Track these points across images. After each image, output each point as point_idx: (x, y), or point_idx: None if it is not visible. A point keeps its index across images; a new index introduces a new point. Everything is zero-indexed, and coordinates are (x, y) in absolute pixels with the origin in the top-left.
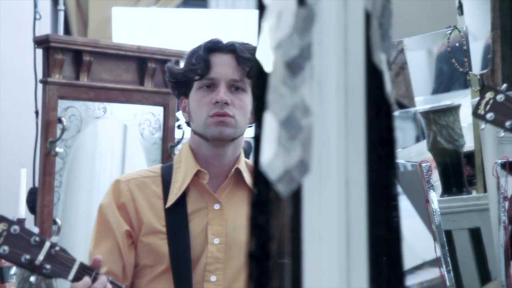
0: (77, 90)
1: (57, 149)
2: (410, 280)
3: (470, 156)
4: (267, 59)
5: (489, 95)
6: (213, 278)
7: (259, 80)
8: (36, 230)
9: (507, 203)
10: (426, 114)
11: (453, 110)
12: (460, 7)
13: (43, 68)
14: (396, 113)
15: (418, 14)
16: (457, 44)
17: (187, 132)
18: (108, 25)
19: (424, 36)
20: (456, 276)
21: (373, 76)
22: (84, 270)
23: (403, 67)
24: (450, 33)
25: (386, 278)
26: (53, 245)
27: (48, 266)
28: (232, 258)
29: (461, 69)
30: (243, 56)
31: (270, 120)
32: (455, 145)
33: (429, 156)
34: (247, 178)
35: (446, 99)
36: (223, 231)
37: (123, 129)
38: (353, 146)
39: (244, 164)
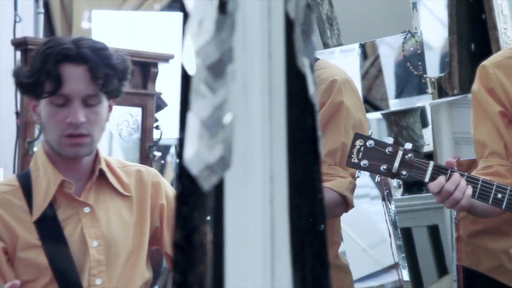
0: None
1: (35, 149)
2: (386, 279)
3: (430, 156)
4: (190, 63)
5: (359, 142)
6: (98, 281)
7: (183, 82)
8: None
9: None
10: (388, 115)
11: (413, 112)
12: (415, 6)
13: None
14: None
15: (375, 18)
16: (411, 49)
17: (166, 132)
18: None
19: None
20: (415, 270)
21: (297, 78)
22: (439, 170)
23: (381, 70)
24: (405, 38)
25: (311, 267)
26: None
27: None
28: (114, 258)
29: (415, 73)
30: (97, 70)
31: (192, 120)
32: (415, 146)
33: None
34: (109, 176)
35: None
36: (99, 232)
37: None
38: (277, 144)
39: (104, 162)
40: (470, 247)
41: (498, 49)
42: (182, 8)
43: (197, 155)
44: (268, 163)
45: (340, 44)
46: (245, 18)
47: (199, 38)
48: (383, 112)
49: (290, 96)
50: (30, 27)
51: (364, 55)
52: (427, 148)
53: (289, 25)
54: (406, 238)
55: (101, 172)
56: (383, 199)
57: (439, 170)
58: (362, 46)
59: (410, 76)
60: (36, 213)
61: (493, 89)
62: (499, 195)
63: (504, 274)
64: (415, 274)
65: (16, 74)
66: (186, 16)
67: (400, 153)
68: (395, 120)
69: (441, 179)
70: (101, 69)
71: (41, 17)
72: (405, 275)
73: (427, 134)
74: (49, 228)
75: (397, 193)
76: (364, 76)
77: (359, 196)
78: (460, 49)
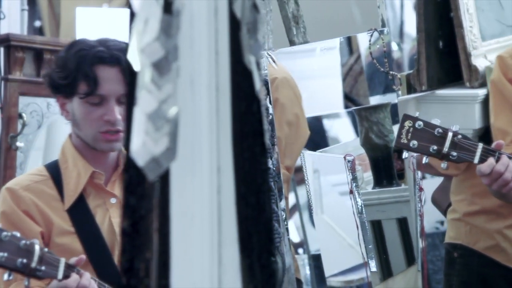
0: (37, 87)
1: (18, 144)
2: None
3: (400, 151)
4: (136, 60)
5: (407, 123)
6: None
7: (130, 78)
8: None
9: (422, 193)
10: (359, 111)
11: (384, 107)
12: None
13: (4, 66)
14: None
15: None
16: (377, 46)
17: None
18: None
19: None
20: (385, 261)
21: (244, 75)
22: (487, 152)
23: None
24: (371, 36)
25: (258, 253)
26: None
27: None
28: None
29: (382, 69)
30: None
31: (139, 114)
32: (385, 141)
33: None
34: None
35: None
36: None
37: None
38: (223, 137)
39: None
40: (468, 227)
41: (464, 47)
42: (130, 10)
43: (143, 147)
44: (215, 155)
45: (306, 42)
46: (192, 17)
47: (145, 36)
48: (354, 108)
49: (237, 92)
50: (16, 24)
51: (350, 51)
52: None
53: (236, 24)
54: (377, 230)
55: None
56: (351, 192)
57: (487, 152)
58: (348, 42)
59: (378, 73)
60: (68, 202)
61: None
62: None
63: (499, 253)
64: (385, 264)
65: (48, 76)
66: (132, 16)
67: (450, 134)
68: (365, 115)
69: (491, 160)
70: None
71: (25, 14)
72: (373, 266)
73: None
74: (81, 216)
75: (368, 187)
76: (348, 73)
77: (345, 193)
78: (428, 47)
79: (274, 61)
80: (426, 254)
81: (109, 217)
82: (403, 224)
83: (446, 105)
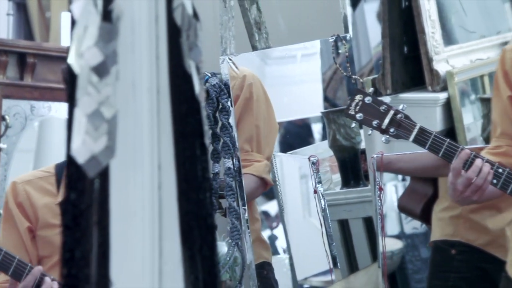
0: (21, 90)
1: (1, 145)
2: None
3: (363, 151)
4: (76, 64)
5: (358, 97)
6: None
7: (70, 81)
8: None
9: (382, 193)
10: (327, 114)
11: None
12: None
13: None
14: None
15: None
16: (340, 51)
17: None
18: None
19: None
20: (352, 258)
21: (184, 78)
22: (423, 133)
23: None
24: (335, 41)
25: (199, 246)
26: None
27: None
28: None
29: (345, 73)
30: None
31: (79, 114)
32: (352, 142)
33: None
34: None
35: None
36: None
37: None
38: (164, 136)
39: None
40: (468, 224)
41: (426, 52)
42: (71, 17)
43: (83, 145)
44: (156, 153)
45: (268, 47)
46: (133, 24)
47: (84, 42)
48: (322, 111)
49: (177, 94)
50: (3, 29)
51: (337, 51)
52: (364, 145)
53: (176, 31)
54: (344, 229)
55: None
56: (315, 192)
57: (423, 133)
58: (335, 42)
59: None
60: (60, 196)
61: (507, 73)
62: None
63: (498, 249)
64: (352, 261)
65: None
66: (73, 23)
67: (391, 112)
68: (333, 118)
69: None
70: None
71: (11, 19)
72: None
73: None
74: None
75: (337, 188)
76: (332, 77)
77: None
78: (392, 52)
79: (235, 66)
80: (385, 252)
81: None
82: (369, 223)
83: (409, 108)
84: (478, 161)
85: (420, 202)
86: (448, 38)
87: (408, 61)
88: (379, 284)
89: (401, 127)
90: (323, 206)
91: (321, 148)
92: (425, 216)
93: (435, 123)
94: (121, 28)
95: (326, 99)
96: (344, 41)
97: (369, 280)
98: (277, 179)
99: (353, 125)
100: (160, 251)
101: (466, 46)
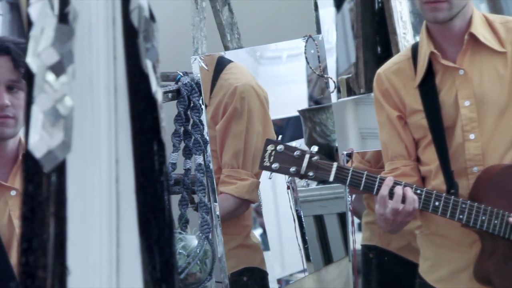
0: None
1: None
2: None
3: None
4: (33, 63)
5: (270, 147)
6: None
7: (28, 79)
8: (298, 145)
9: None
10: (303, 112)
11: (326, 109)
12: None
13: None
14: None
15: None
16: (312, 51)
17: None
18: None
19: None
20: (327, 252)
21: (141, 78)
22: (342, 170)
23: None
24: (307, 41)
25: (156, 237)
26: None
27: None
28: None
29: (316, 73)
30: (19, 59)
31: (36, 111)
32: (328, 140)
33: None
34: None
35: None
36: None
37: None
38: (122, 132)
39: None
40: (382, 229)
41: (398, 51)
42: (27, 18)
43: (40, 141)
44: (113, 148)
45: (240, 47)
46: (90, 26)
47: (41, 42)
48: (299, 109)
49: (135, 93)
50: None
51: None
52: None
53: (134, 32)
54: (319, 224)
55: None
56: (288, 188)
57: (342, 170)
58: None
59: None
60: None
61: (387, 92)
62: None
63: (411, 252)
64: (327, 256)
65: None
66: (30, 24)
67: (307, 156)
68: (309, 116)
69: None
70: (22, 58)
71: (1, 19)
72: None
73: None
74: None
75: (313, 184)
76: (321, 76)
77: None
78: (365, 52)
79: (206, 66)
80: (355, 247)
81: (8, 211)
82: (343, 218)
83: None
84: (398, 189)
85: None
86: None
87: (381, 61)
88: (349, 277)
89: (319, 169)
90: (296, 201)
91: (302, 145)
92: None
93: None
94: (77, 30)
95: (311, 98)
96: (316, 42)
97: (341, 274)
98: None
99: (270, 176)
100: (117, 242)
101: None
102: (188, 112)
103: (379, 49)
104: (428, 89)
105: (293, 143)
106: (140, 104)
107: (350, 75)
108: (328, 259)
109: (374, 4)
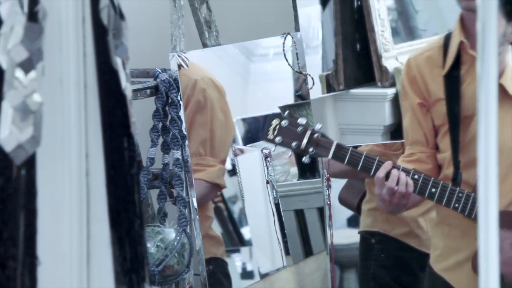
0: None
1: None
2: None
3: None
4: (3, 60)
5: (275, 121)
6: None
7: None
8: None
9: (329, 183)
10: (284, 108)
11: (306, 105)
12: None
13: None
14: None
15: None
16: (291, 48)
17: None
18: None
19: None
20: (308, 246)
21: (110, 74)
22: (340, 149)
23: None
24: (285, 39)
25: (126, 229)
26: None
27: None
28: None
29: (295, 70)
30: None
31: (6, 106)
32: None
33: None
34: None
35: None
36: None
37: None
38: (92, 127)
39: None
40: (385, 215)
41: (376, 49)
42: None
43: (10, 135)
44: (84, 143)
45: (218, 45)
46: (60, 25)
47: (10, 40)
48: (280, 105)
49: (105, 89)
50: None
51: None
52: None
53: (103, 30)
54: (300, 218)
55: None
56: (267, 182)
57: (340, 149)
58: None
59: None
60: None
61: (414, 79)
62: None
63: (413, 239)
64: (308, 249)
65: None
66: (0, 23)
67: (308, 132)
68: (290, 112)
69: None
70: None
71: None
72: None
73: None
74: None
75: (294, 179)
76: (299, 73)
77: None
78: (345, 49)
79: (186, 63)
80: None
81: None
82: (323, 212)
83: (359, 103)
84: (394, 171)
85: (356, 196)
86: (399, 36)
87: (360, 58)
88: (327, 270)
89: (319, 146)
90: (275, 196)
91: None
92: (359, 209)
93: (384, 118)
94: (47, 28)
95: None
96: (294, 39)
97: (319, 267)
98: (238, 171)
99: (273, 149)
100: (88, 234)
101: (416, 44)
102: (166, 108)
103: (358, 46)
104: (453, 78)
105: (257, 144)
106: (110, 100)
107: (329, 72)
108: (308, 252)
109: (353, 2)
